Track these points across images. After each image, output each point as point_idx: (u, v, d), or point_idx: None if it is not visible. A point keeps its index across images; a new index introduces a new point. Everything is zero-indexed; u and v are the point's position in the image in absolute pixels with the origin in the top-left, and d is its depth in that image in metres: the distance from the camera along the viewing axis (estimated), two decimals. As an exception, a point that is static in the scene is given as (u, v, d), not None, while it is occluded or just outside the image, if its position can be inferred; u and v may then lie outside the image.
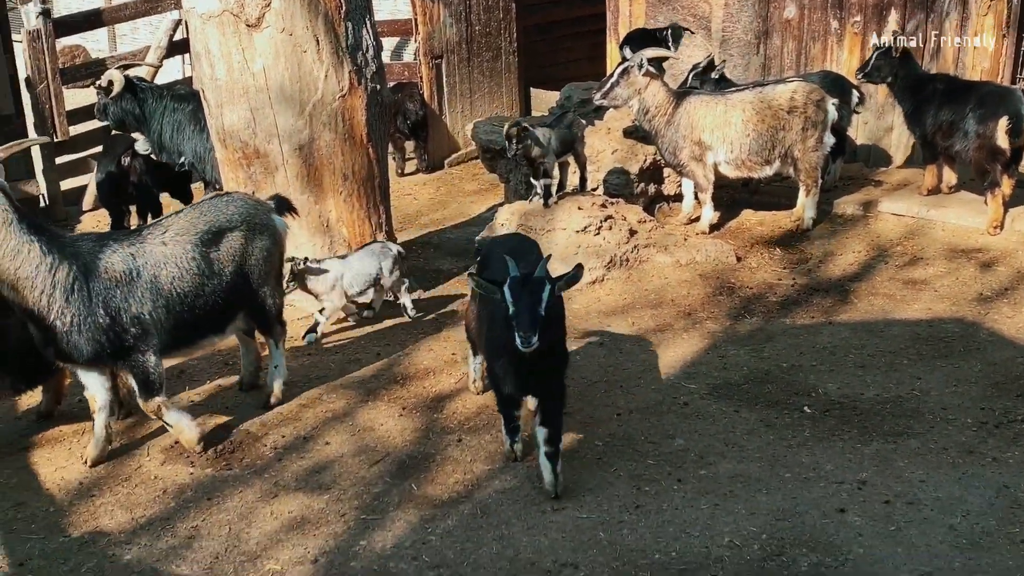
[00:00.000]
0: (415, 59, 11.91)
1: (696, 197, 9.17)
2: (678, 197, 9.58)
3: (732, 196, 9.64)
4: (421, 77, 11.77)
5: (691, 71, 9.64)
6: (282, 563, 4.75)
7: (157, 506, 5.30)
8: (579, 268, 5.00)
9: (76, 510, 5.31)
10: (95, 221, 10.58)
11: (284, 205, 6.32)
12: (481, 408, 6.15)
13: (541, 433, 5.14)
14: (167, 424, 5.71)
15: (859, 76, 9.12)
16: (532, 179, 8.45)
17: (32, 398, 6.45)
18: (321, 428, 6.03)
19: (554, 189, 8.52)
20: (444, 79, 11.96)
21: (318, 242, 7.63)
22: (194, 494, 5.39)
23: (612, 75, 8.77)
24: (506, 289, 4.80)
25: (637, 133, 9.21)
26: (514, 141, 8.06)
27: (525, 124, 8.26)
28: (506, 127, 8.16)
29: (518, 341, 4.70)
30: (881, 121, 10.24)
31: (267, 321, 6.18)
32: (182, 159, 9.52)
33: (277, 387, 6.26)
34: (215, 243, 5.72)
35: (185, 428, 5.69)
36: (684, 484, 5.30)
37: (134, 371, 5.50)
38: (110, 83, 9.22)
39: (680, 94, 8.84)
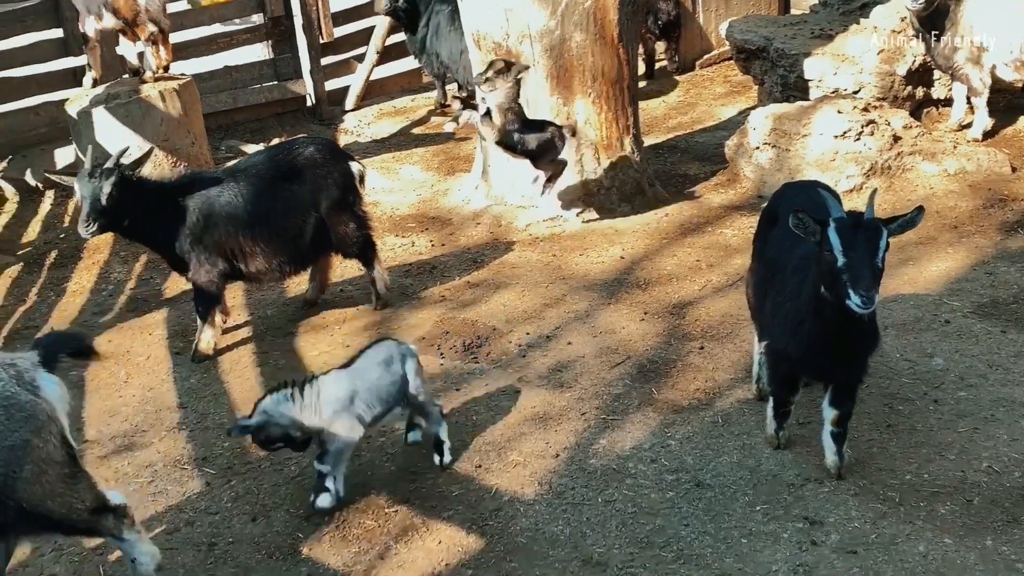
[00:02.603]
0: (669, -44, 11.55)
1: (969, 102, 8.50)
2: (948, 101, 8.92)
3: (1009, 101, 8.86)
4: (675, -25, 11.43)
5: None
6: (524, 455, 4.89)
7: (409, 394, 5.55)
8: (919, 211, 4.00)
9: (336, 393, 5.64)
10: (356, 120, 11.04)
11: (56, 349, 3.94)
12: (724, 316, 6.04)
13: (830, 413, 4.42)
14: None
15: None
16: None
17: (299, 285, 6.88)
18: (563, 328, 6.11)
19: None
20: (699, -23, 11.58)
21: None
22: (444, 384, 5.61)
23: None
24: (831, 233, 3.88)
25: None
26: None
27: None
28: None
29: (855, 299, 3.77)
30: None
31: (75, 530, 3.99)
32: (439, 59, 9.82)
33: None
34: None
35: None
36: (941, 405, 5.02)
37: None
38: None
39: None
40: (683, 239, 7.23)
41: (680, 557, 4.14)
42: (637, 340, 5.89)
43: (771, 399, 4.72)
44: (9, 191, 9.34)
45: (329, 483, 4.53)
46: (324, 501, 4.53)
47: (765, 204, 5.34)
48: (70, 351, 4.04)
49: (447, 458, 4.83)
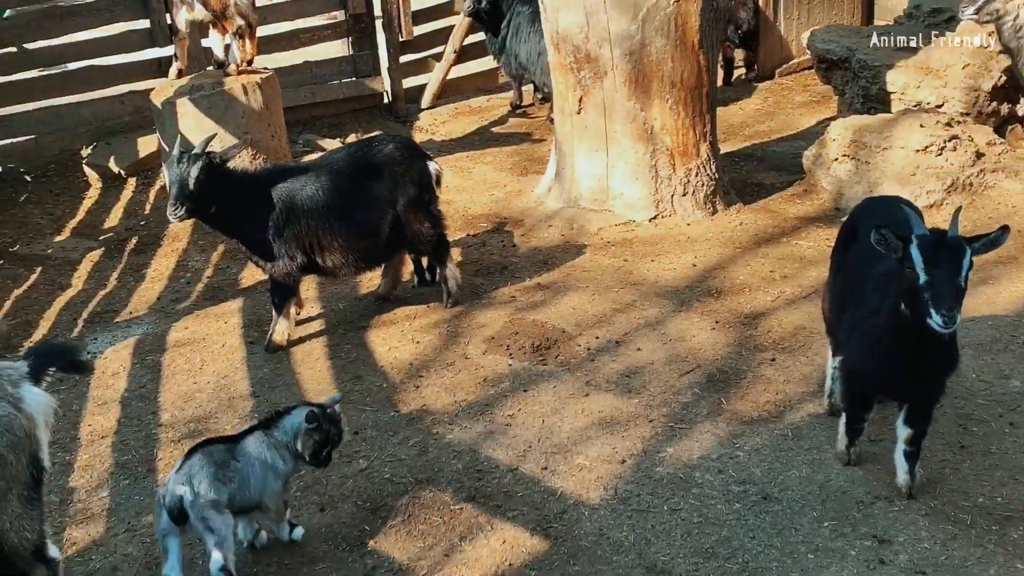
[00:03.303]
0: (751, -37, 11.46)
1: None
2: (1034, 118, 8.71)
3: (1101, 119, 8.64)
4: (756, -17, 11.33)
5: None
6: (590, 459, 4.89)
7: (477, 392, 5.60)
8: (1004, 230, 3.92)
9: (405, 388, 5.71)
10: (431, 118, 11.13)
11: (48, 361, 3.78)
12: (797, 329, 5.98)
13: (904, 432, 4.37)
14: None
15: None
16: None
17: (372, 281, 6.97)
18: (633, 334, 6.10)
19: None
20: (780, -15, 11.46)
21: (640, 149, 7.61)
22: (511, 384, 5.64)
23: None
24: (914, 250, 3.83)
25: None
26: None
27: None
28: None
29: (936, 319, 3.72)
30: None
31: (15, 569, 3.67)
32: (517, 60, 9.89)
33: None
34: None
35: None
36: (1017, 428, 4.92)
37: None
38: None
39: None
40: (757, 249, 7.17)
41: (745, 570, 4.11)
42: (707, 349, 5.85)
43: (844, 415, 4.66)
44: (93, 177, 9.58)
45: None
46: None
47: (843, 217, 5.28)
48: (61, 364, 3.83)
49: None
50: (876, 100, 9.07)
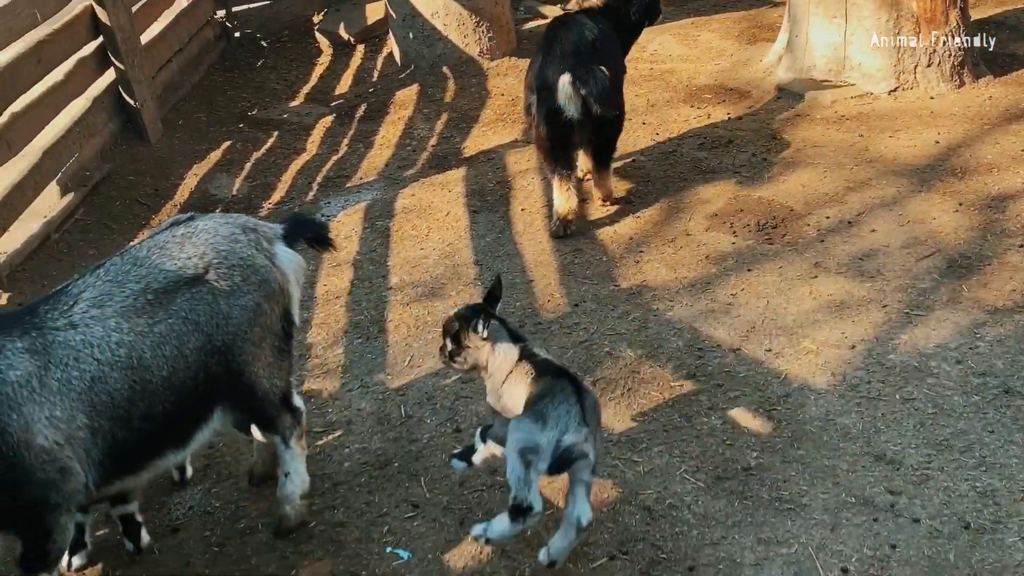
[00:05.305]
0: None
1: None
2: None
3: None
4: None
5: None
6: (817, 343, 4.75)
7: (699, 269, 5.50)
8: None
9: (625, 263, 5.68)
10: None
11: (301, 229, 3.97)
12: (1053, 213, 5.54)
13: None
14: None
15: None
16: None
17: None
18: (867, 214, 5.80)
19: None
20: None
21: (883, 15, 7.10)
22: (734, 263, 5.51)
23: None
24: None
25: None
26: None
27: None
28: None
29: None
30: None
31: (265, 413, 3.83)
32: None
33: (289, 508, 3.97)
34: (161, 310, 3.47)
35: None
36: None
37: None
38: None
39: None
40: (1007, 126, 6.61)
41: (982, 464, 3.92)
42: (949, 233, 5.51)
43: None
44: (324, 44, 9.86)
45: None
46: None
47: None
48: (312, 236, 3.99)
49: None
50: None
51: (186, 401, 3.50)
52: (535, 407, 3.46)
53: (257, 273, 3.64)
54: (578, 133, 5.84)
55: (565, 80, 5.65)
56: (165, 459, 3.59)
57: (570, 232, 5.99)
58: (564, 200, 5.93)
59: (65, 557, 3.73)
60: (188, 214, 3.76)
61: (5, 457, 3.08)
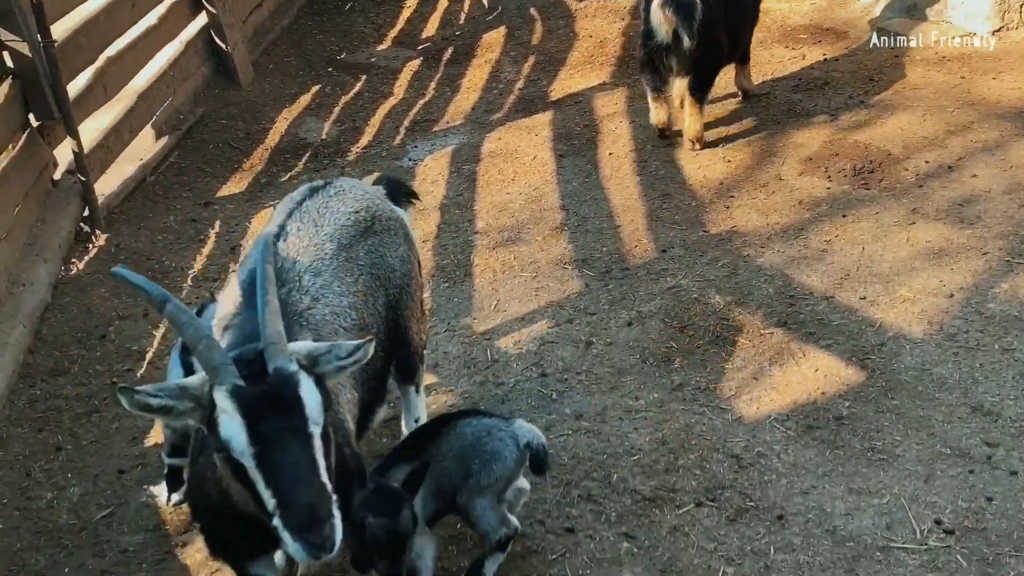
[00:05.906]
0: None
1: None
2: None
3: None
4: None
5: None
6: (914, 291, 4.62)
7: (791, 215, 5.39)
8: None
9: (715, 208, 5.59)
10: None
11: (397, 188, 4.11)
12: None
13: None
14: None
15: None
16: None
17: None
18: (968, 159, 5.61)
19: None
20: None
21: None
22: (829, 208, 5.38)
23: None
24: None
25: None
26: None
27: None
28: None
29: None
30: None
31: (412, 364, 3.85)
32: None
33: None
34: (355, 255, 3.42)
35: None
36: None
37: None
38: None
39: None
40: (1122, 66, 6.32)
41: (1085, 419, 3.80)
42: (1055, 178, 5.30)
43: None
44: (410, -13, 9.80)
45: None
46: None
47: None
48: (402, 193, 4.10)
49: None
50: None
51: (381, 359, 3.46)
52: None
53: (403, 227, 3.73)
54: (669, 58, 6.04)
55: (656, 3, 5.83)
56: (376, 417, 3.59)
57: (668, 136, 6.35)
58: (654, 112, 6.32)
59: (165, 493, 3.94)
60: (320, 181, 3.67)
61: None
